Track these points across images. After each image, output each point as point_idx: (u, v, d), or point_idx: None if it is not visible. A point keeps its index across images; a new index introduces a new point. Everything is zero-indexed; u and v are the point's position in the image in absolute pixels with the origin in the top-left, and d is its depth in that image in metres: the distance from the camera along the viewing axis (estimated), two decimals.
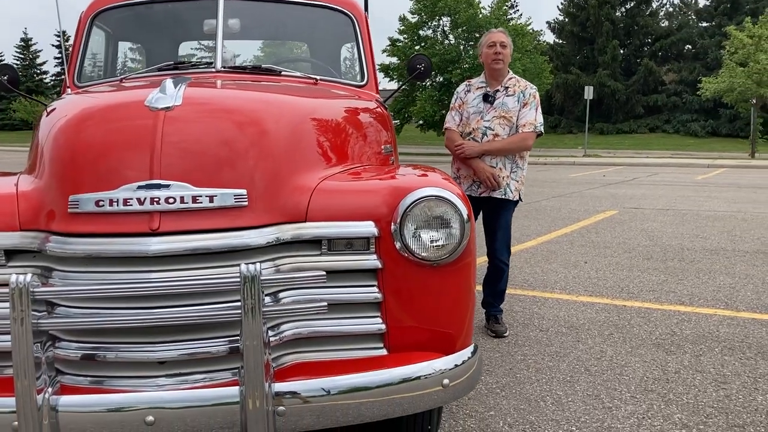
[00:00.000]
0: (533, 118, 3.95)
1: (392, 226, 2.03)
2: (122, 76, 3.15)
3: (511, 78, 4.08)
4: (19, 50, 68.01)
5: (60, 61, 67.04)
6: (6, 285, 1.92)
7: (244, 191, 1.96)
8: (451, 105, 4.19)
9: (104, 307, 1.88)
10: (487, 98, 3.99)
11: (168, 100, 2.03)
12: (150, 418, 1.77)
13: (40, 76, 67.25)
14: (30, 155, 2.48)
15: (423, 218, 2.04)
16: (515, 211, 4.19)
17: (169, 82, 2.13)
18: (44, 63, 70.74)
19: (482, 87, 4.07)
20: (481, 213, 4.08)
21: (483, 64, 4.12)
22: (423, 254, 2.04)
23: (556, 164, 23.07)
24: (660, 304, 4.81)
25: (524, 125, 3.93)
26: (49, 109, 2.50)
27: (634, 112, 44.92)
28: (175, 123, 1.97)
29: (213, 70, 3.07)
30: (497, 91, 4.01)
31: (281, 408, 1.83)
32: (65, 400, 1.78)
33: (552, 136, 35.91)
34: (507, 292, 4.29)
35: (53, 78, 67.16)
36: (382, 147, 2.95)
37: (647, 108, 45.01)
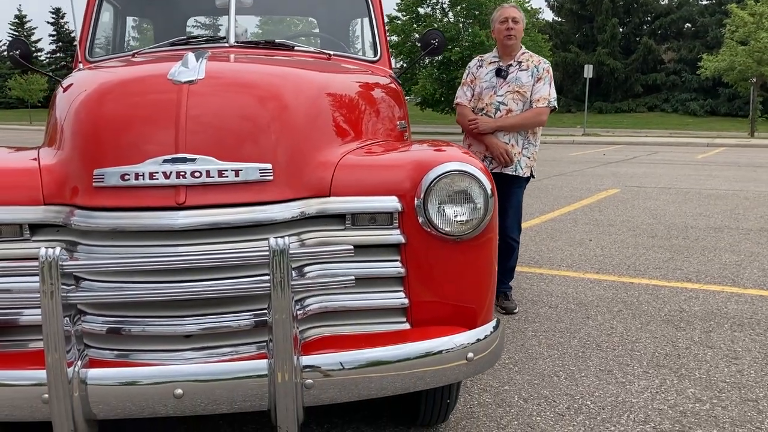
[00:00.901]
0: (547, 92, 3.92)
1: (416, 201, 2.03)
2: (134, 51, 3.12)
3: (524, 53, 4.03)
4: (13, 27, 67.33)
5: (55, 38, 66.42)
6: (30, 259, 1.95)
7: (269, 165, 1.95)
8: (463, 80, 4.15)
9: (130, 280, 1.88)
10: (500, 73, 3.95)
11: (191, 74, 2.01)
12: (179, 391, 1.78)
13: (35, 54, 66.50)
14: (48, 130, 2.47)
15: (447, 193, 2.04)
16: None
17: (191, 56, 2.11)
18: (39, 40, 70.12)
19: (495, 62, 4.03)
20: None
21: (495, 39, 4.09)
22: (446, 229, 2.04)
23: (555, 143, 23.03)
24: (667, 281, 4.83)
25: (538, 100, 3.90)
26: (65, 84, 2.48)
27: (632, 91, 44.82)
28: (198, 97, 1.96)
29: (226, 45, 3.04)
30: (510, 65, 3.97)
31: (309, 381, 1.84)
32: (94, 372, 1.79)
33: (550, 115, 35.84)
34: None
35: (48, 56, 66.61)
36: (397, 123, 2.93)
37: (646, 87, 44.90)
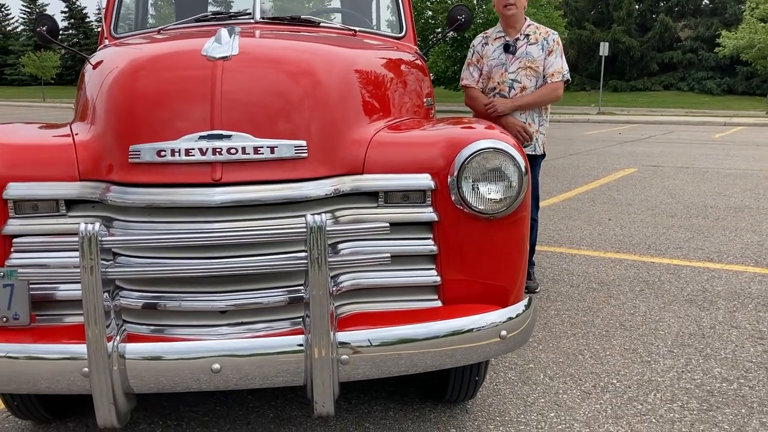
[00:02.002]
0: (560, 65, 3.78)
1: (449, 179, 2.03)
2: (159, 27, 3.10)
3: (529, 25, 3.85)
4: (25, 3, 67.34)
5: (67, 15, 66.33)
6: (66, 234, 1.96)
7: (303, 143, 1.95)
8: (467, 60, 3.98)
9: (166, 256, 1.89)
10: (509, 48, 3.78)
11: (225, 50, 2.01)
12: (216, 365, 1.80)
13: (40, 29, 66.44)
14: (78, 106, 2.47)
15: (481, 171, 2.03)
16: None
17: (224, 32, 2.11)
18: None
19: (500, 37, 3.85)
20: None
21: (498, 13, 3.92)
22: (480, 207, 2.03)
23: (570, 122, 22.84)
24: (689, 260, 4.81)
25: (552, 75, 3.77)
26: (94, 61, 2.48)
27: (648, 69, 44.27)
28: (233, 73, 1.95)
29: (252, 21, 3.02)
30: (517, 39, 3.79)
31: (344, 357, 1.85)
32: (133, 347, 1.81)
33: (564, 93, 35.42)
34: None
35: (61, 33, 66.64)
36: (425, 100, 2.91)
37: (662, 65, 44.34)
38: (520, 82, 3.77)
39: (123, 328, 1.86)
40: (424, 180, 2.03)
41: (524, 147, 3.76)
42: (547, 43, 3.79)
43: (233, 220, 1.88)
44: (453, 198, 2.03)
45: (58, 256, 1.94)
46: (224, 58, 1.97)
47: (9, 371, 1.83)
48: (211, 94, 1.90)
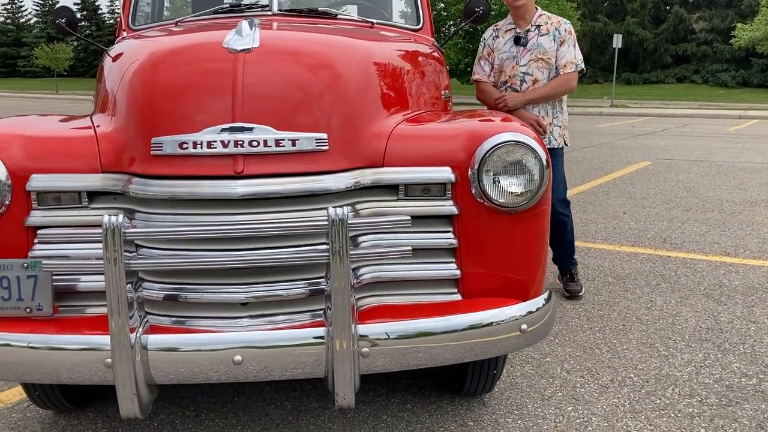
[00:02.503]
0: (572, 56, 3.66)
1: (470, 172, 2.02)
2: (176, 20, 3.11)
3: (540, 15, 3.73)
4: None
5: (80, 6, 66.54)
6: (88, 226, 1.97)
7: (324, 135, 1.94)
8: (479, 54, 3.91)
9: (187, 248, 1.90)
10: (519, 40, 3.68)
11: (246, 42, 2.00)
12: (238, 357, 1.81)
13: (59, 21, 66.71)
14: (98, 98, 2.48)
15: (502, 164, 2.02)
16: None
17: (245, 24, 2.10)
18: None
19: (511, 29, 3.75)
20: None
21: (507, 5, 3.82)
22: (501, 201, 2.03)
23: (582, 114, 22.71)
24: (705, 255, 4.78)
25: (565, 65, 3.64)
26: (113, 53, 2.49)
27: (662, 61, 43.91)
28: (254, 65, 1.95)
29: (269, 12, 3.02)
30: (528, 31, 3.69)
31: (365, 349, 1.85)
32: (155, 338, 1.81)
33: (577, 86, 35.19)
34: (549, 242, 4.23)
35: None
36: (443, 92, 2.91)
37: (676, 57, 43.97)
38: (532, 75, 3.67)
39: (146, 319, 1.87)
40: (445, 173, 2.02)
41: None
42: (559, 33, 3.67)
43: (254, 212, 1.88)
44: (473, 191, 2.02)
45: (80, 248, 1.95)
46: (245, 51, 1.97)
47: (31, 361, 1.84)
48: (233, 87, 1.90)
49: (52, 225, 1.96)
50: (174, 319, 1.94)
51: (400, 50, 2.78)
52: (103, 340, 1.79)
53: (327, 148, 1.94)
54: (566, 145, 3.87)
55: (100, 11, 68.90)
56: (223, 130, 1.87)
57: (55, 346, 1.82)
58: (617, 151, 11.45)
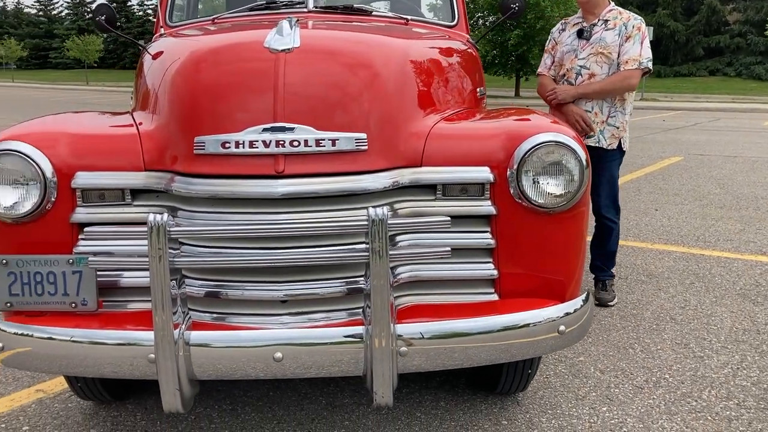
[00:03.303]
0: (638, 53, 3.44)
1: (508, 172, 2.01)
2: (213, 17, 3.13)
3: (611, 9, 3.58)
4: None
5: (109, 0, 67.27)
6: (131, 223, 2.01)
7: (364, 135, 1.95)
8: (545, 47, 3.85)
9: (228, 246, 1.92)
10: (582, 33, 3.55)
11: (286, 42, 2.02)
12: (278, 354, 1.83)
13: (91, 15, 67.76)
14: (137, 95, 2.52)
15: (541, 164, 2.01)
16: None
17: (285, 24, 2.12)
18: (92, 1, 71.10)
19: (578, 23, 3.64)
20: None
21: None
22: (540, 201, 2.02)
23: None
24: (740, 253, 4.71)
25: (626, 62, 3.44)
26: (153, 51, 2.52)
27: (693, 54, 43.20)
28: (296, 65, 1.96)
29: (305, 9, 3.03)
30: (594, 24, 3.55)
31: (404, 348, 1.86)
32: (198, 335, 1.84)
33: None
34: None
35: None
36: (478, 89, 2.90)
37: (708, 50, 43.22)
38: (589, 69, 3.52)
39: (188, 315, 1.90)
40: (483, 173, 2.02)
41: (585, 139, 3.53)
42: (626, 28, 3.49)
43: (294, 211, 1.90)
44: (512, 191, 2.02)
45: (123, 244, 1.98)
46: (286, 51, 1.98)
47: (74, 355, 1.88)
48: (274, 87, 1.92)
49: (97, 222, 2.00)
50: (215, 315, 1.97)
51: (436, 48, 2.77)
52: (146, 335, 1.83)
53: (366, 148, 1.95)
54: (623, 149, 3.63)
55: (129, 3, 69.62)
56: (264, 129, 1.88)
57: (98, 341, 1.86)
58: (648, 146, 11.31)
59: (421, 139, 2.06)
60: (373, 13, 3.15)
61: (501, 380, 2.50)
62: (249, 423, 2.46)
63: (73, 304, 1.95)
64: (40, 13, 75.07)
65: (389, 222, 1.82)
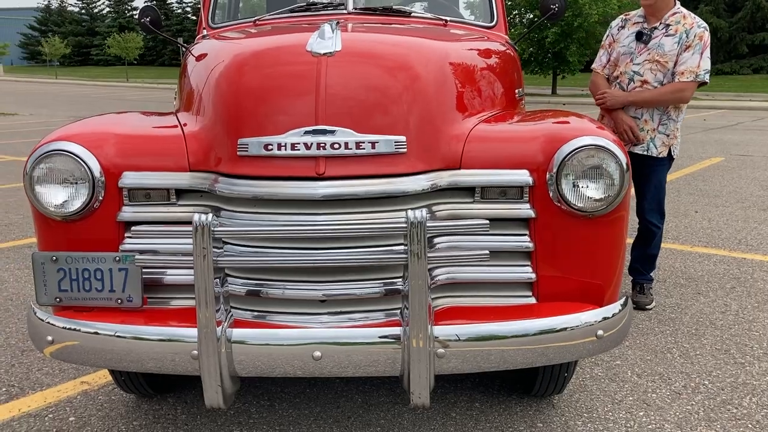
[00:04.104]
0: (695, 64, 3.31)
1: (548, 176, 2.01)
2: (255, 18, 3.18)
3: (675, 12, 3.41)
4: None
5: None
6: (176, 222, 2.06)
7: (403, 138, 1.97)
8: (602, 42, 3.68)
9: (269, 246, 1.96)
10: (641, 37, 3.41)
11: (328, 45, 2.05)
12: (317, 353, 1.86)
13: (131, 12, 68.86)
14: (181, 96, 2.57)
15: (581, 168, 2.01)
16: None
17: (327, 27, 2.14)
18: (133, 0, 72.48)
19: (639, 22, 3.48)
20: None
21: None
22: (579, 205, 2.01)
23: None
24: None
25: (683, 72, 3.31)
26: (197, 52, 2.57)
27: (736, 51, 42.18)
28: (337, 69, 1.99)
29: (345, 11, 3.06)
30: (655, 28, 3.41)
31: (440, 350, 1.88)
32: (239, 332, 1.88)
33: None
34: None
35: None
36: (516, 90, 2.89)
37: (752, 47, 42.15)
38: (642, 76, 3.40)
39: (230, 313, 1.94)
40: (523, 176, 2.02)
41: (634, 145, 3.46)
42: (687, 36, 3.33)
43: (334, 213, 1.93)
44: (551, 195, 2.02)
45: (168, 243, 2.03)
46: (328, 54, 2.01)
47: (119, 350, 1.94)
48: (316, 90, 1.95)
49: (142, 221, 2.06)
50: (256, 313, 2.01)
51: (475, 50, 2.78)
52: (189, 332, 1.87)
53: (405, 150, 1.97)
54: (672, 157, 3.54)
55: (168, 1, 70.69)
56: (306, 132, 1.92)
57: (142, 337, 1.92)
58: (688, 146, 11.09)
59: (460, 141, 2.08)
60: (412, 14, 3.17)
61: (537, 382, 2.50)
62: (286, 419, 2.51)
63: (119, 301, 2.01)
64: (83, 11, 76.67)
65: (430, 225, 1.84)
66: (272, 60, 2.15)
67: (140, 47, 52.53)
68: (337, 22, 2.31)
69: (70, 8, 75.93)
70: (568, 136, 2.03)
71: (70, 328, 1.97)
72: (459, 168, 2.05)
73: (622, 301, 2.11)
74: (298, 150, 1.91)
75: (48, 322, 1.99)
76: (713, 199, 6.67)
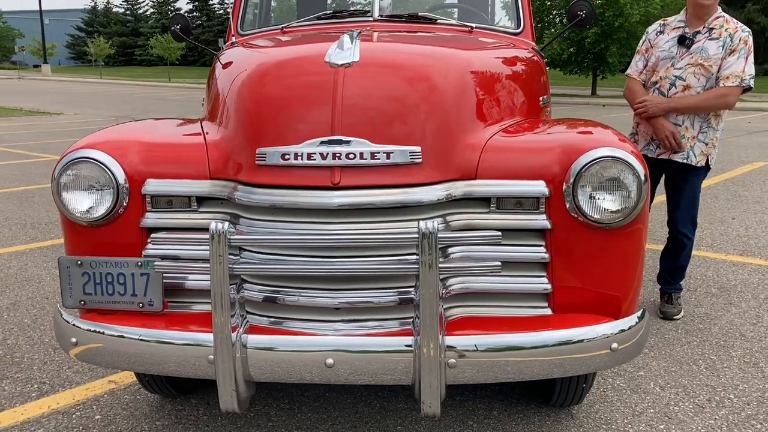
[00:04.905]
0: (741, 68, 3.23)
1: (564, 187, 2.01)
2: (282, 26, 3.22)
3: (718, 17, 3.34)
4: None
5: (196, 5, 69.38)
6: (197, 229, 2.11)
7: (418, 148, 1.99)
8: (638, 48, 3.60)
9: (286, 254, 1.99)
10: (684, 41, 3.33)
11: (346, 56, 2.07)
12: (330, 360, 1.88)
13: (174, 13, 70.19)
14: (208, 103, 2.62)
15: (598, 180, 1.99)
16: None
17: (346, 38, 2.17)
18: (176, 1, 73.75)
19: (680, 27, 3.41)
20: (663, 177, 3.55)
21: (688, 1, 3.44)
22: (596, 217, 2.00)
23: None
24: None
25: (727, 77, 3.23)
26: (224, 60, 2.62)
27: None
28: (354, 79, 2.02)
29: (371, 19, 3.09)
30: (698, 32, 3.33)
31: (452, 360, 1.89)
32: (254, 338, 1.92)
33: None
34: (647, 247, 3.99)
35: (187, 14, 70.03)
36: (540, 99, 2.88)
37: None
38: (684, 80, 3.32)
39: (246, 319, 1.98)
40: (539, 187, 2.02)
41: (674, 154, 3.40)
42: (731, 40, 3.27)
43: (349, 222, 1.95)
44: (567, 206, 2.01)
45: (189, 249, 2.08)
46: (346, 65, 2.04)
47: (141, 352, 2.00)
48: (333, 100, 1.98)
49: (165, 227, 2.11)
50: (272, 319, 2.05)
51: (498, 57, 2.78)
52: (207, 336, 1.91)
53: (420, 160, 1.99)
54: (710, 166, 3.46)
55: (210, 2, 71.75)
56: (322, 142, 1.95)
57: (163, 340, 1.97)
58: (729, 150, 10.84)
59: (476, 151, 2.08)
60: (438, 21, 3.17)
61: (555, 393, 2.49)
62: (305, 423, 2.54)
63: (141, 305, 2.07)
64: (127, 12, 78.32)
65: (440, 236, 1.86)
66: (291, 70, 2.18)
67: (182, 48, 53.37)
68: (360, 32, 2.34)
69: (115, 9, 77.66)
70: (585, 147, 2.02)
71: (93, 330, 2.04)
72: (475, 178, 2.05)
73: (639, 313, 2.09)
74: (314, 160, 1.94)
75: (73, 324, 2.06)
76: (752, 206, 6.52)
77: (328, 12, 3.21)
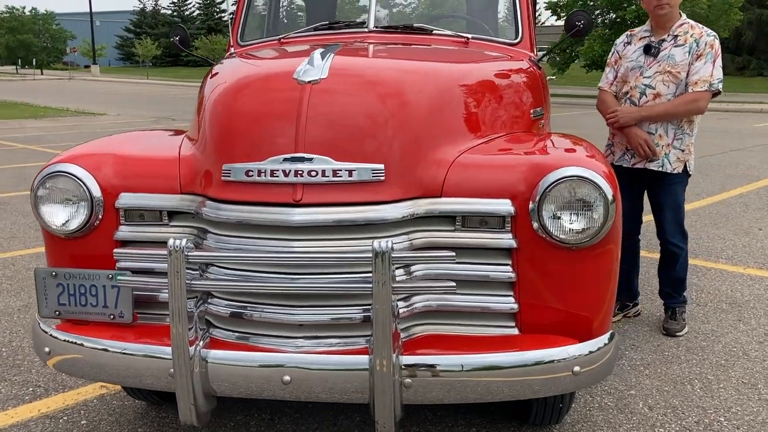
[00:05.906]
0: (708, 73, 3.24)
1: (530, 205, 1.98)
2: (281, 36, 3.25)
3: (682, 24, 3.37)
4: None
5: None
6: (165, 243, 2.14)
7: (381, 166, 1.98)
8: (607, 60, 3.62)
9: (250, 270, 2.01)
10: (650, 50, 3.35)
11: (315, 73, 2.08)
12: (287, 377, 1.90)
13: (219, 14, 71.12)
14: (195, 114, 2.66)
15: (564, 199, 1.96)
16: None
17: (317, 54, 2.18)
18: (223, 1, 74.72)
19: (646, 36, 3.43)
20: (646, 189, 3.51)
21: (647, 11, 3.50)
22: (561, 237, 1.97)
23: (738, 111, 20.95)
24: None
25: (696, 83, 3.24)
26: (213, 72, 2.65)
27: None
28: (320, 96, 2.02)
29: (365, 30, 3.10)
30: (663, 40, 3.35)
31: (408, 380, 1.88)
32: (214, 353, 1.95)
33: (738, 80, 32.35)
34: (647, 256, 3.85)
35: (231, 15, 70.98)
36: (531, 111, 2.84)
37: None
38: (654, 89, 3.33)
39: (206, 333, 2.01)
40: (504, 206, 2.00)
41: (649, 162, 3.38)
42: (698, 45, 3.28)
43: (310, 239, 1.96)
44: (534, 225, 1.99)
45: (156, 263, 2.11)
46: (313, 82, 2.05)
47: (106, 364, 2.04)
48: (297, 118, 1.99)
49: (136, 240, 2.16)
50: (238, 334, 2.06)
51: (486, 71, 2.75)
52: (169, 350, 1.95)
53: (383, 178, 1.98)
54: (689, 173, 3.44)
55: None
56: (285, 159, 1.96)
57: (127, 352, 2.01)
58: (767, 157, 10.51)
59: (443, 168, 2.07)
60: (434, 32, 3.16)
61: (532, 413, 2.46)
62: None
63: (112, 316, 2.11)
64: (174, 13, 79.89)
65: (400, 255, 1.85)
66: (259, 87, 2.20)
67: (226, 49, 54.28)
68: (340, 46, 2.35)
69: (163, 11, 79.27)
70: (552, 166, 1.99)
71: (66, 341, 2.09)
72: (440, 196, 2.04)
73: (607, 335, 2.06)
74: (277, 177, 1.95)
75: (47, 334, 2.12)
76: None
77: (325, 23, 3.22)
